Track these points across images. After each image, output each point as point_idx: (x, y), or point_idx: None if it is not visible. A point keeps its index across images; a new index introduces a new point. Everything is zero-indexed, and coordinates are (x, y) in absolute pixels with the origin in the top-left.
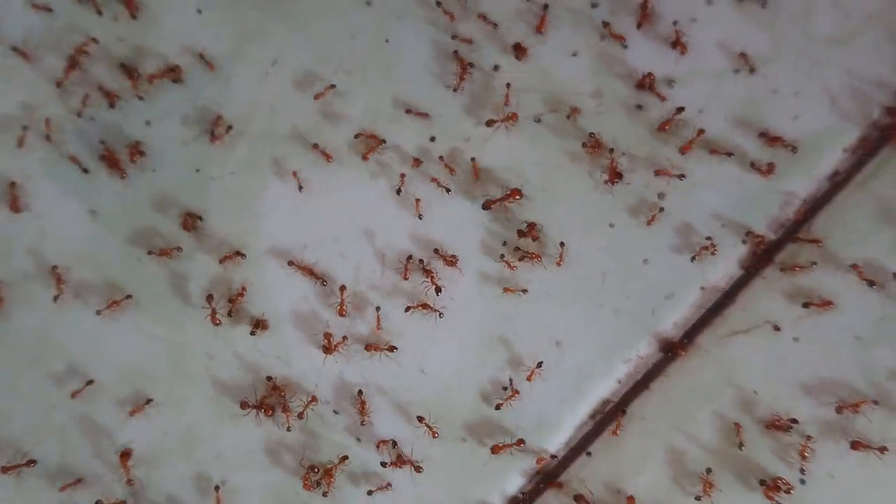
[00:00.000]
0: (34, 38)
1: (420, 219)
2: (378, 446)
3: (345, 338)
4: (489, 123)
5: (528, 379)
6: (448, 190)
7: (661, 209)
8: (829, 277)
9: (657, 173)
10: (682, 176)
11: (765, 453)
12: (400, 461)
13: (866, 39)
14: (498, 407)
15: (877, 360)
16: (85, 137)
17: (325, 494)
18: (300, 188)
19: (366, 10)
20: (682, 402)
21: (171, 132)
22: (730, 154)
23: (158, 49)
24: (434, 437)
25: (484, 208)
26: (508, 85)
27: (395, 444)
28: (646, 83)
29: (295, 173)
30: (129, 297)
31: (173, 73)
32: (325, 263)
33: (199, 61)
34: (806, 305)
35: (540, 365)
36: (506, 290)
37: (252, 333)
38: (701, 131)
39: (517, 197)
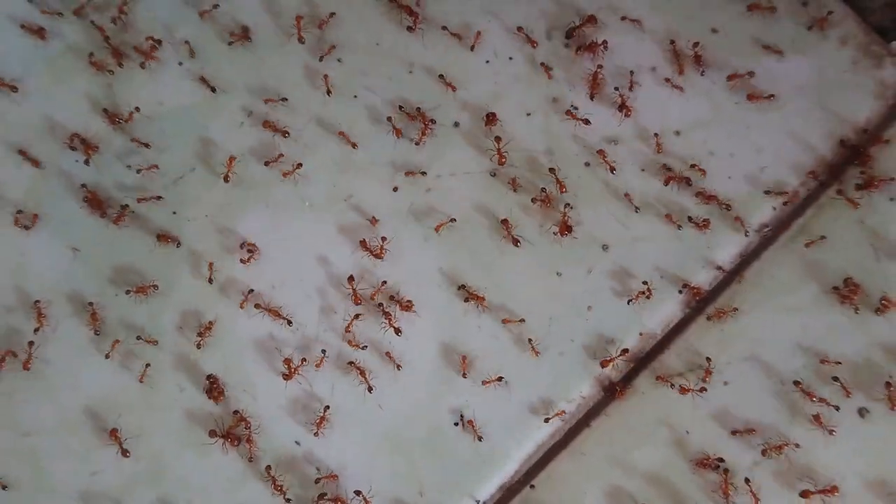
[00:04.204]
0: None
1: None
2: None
3: (304, 360)
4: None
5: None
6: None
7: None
8: (758, 325)
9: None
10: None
11: (694, 490)
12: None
13: (796, 107)
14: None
15: (798, 405)
16: (69, 179)
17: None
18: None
19: (336, 66)
20: (619, 439)
21: (151, 177)
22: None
23: (139, 96)
24: None
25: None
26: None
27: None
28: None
29: None
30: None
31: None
32: (290, 303)
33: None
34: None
35: (500, 379)
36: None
37: (208, 393)
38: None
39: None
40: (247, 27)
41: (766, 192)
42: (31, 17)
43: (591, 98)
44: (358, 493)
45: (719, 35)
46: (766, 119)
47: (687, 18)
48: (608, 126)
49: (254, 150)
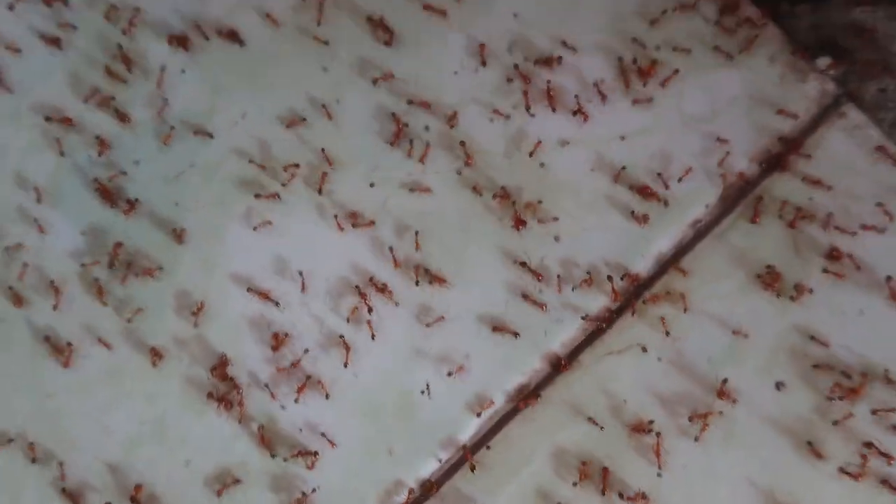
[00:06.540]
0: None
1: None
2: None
3: (286, 335)
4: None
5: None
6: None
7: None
8: (691, 309)
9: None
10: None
11: (629, 452)
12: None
13: (728, 117)
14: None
15: (721, 378)
16: (82, 173)
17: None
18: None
19: (322, 75)
20: (565, 407)
21: (156, 171)
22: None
23: (147, 102)
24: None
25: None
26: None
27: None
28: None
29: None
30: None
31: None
32: (277, 283)
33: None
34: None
35: (462, 368)
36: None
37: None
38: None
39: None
40: (235, 31)
41: (700, 191)
42: (47, 28)
43: (553, 110)
44: (323, 434)
45: (660, 52)
46: (702, 128)
47: (632, 41)
48: (564, 131)
49: (247, 147)
